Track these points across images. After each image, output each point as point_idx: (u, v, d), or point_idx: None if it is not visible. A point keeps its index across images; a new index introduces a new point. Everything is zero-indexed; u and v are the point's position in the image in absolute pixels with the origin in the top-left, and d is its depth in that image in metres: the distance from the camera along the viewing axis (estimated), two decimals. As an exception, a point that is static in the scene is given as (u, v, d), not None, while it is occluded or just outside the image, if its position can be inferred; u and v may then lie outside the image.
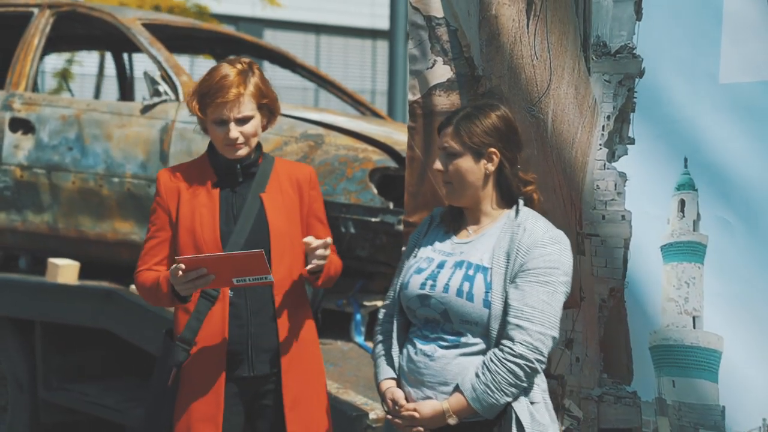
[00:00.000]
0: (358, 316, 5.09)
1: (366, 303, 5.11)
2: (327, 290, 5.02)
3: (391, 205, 4.89)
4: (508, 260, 2.73)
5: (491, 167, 2.81)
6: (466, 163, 2.80)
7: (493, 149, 2.80)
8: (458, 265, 2.78)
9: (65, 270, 5.27)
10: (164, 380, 3.10)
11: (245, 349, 3.10)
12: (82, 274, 5.35)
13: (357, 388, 4.36)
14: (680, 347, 2.96)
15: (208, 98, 3.08)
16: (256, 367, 3.12)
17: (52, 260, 5.33)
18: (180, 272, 2.94)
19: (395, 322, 2.87)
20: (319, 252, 3.02)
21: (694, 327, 2.95)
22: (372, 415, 4.10)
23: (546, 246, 2.74)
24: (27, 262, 5.74)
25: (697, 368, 2.93)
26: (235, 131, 3.08)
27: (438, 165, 2.83)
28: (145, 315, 4.82)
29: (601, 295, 3.11)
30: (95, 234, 5.38)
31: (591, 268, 3.13)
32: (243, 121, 3.09)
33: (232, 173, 3.14)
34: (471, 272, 2.75)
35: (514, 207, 2.83)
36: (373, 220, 4.87)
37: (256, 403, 3.16)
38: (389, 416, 2.78)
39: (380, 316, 2.96)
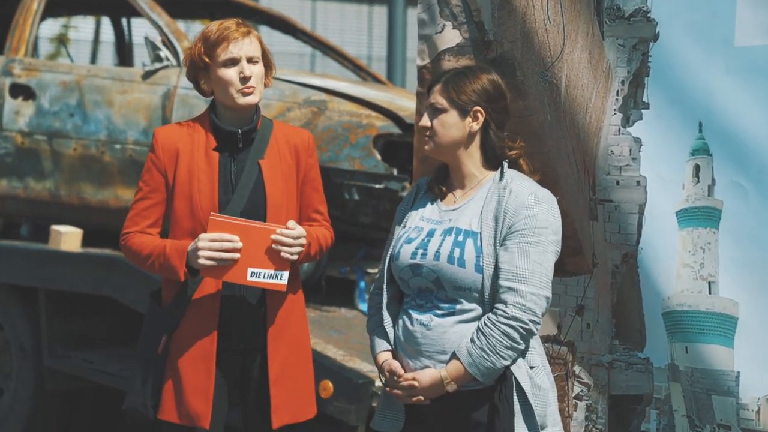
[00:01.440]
0: (362, 283, 5.09)
1: (369, 270, 5.12)
2: (330, 257, 5.03)
3: (395, 172, 4.88)
4: (497, 223, 2.73)
5: (476, 126, 2.82)
6: (451, 118, 2.80)
7: (478, 108, 2.81)
8: (447, 232, 2.77)
9: (68, 237, 5.26)
10: (154, 346, 3.05)
11: (236, 321, 3.07)
12: (85, 241, 5.34)
13: (362, 355, 4.36)
14: (695, 313, 2.96)
15: (217, 39, 3.01)
16: (246, 340, 3.08)
17: (55, 227, 5.31)
18: (208, 236, 2.89)
19: (384, 294, 2.85)
20: (285, 248, 2.97)
21: (709, 293, 2.94)
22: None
23: (533, 206, 2.73)
24: (29, 229, 5.72)
25: (712, 334, 2.93)
26: (248, 69, 3.02)
27: (425, 121, 2.83)
28: (147, 282, 4.80)
29: (614, 261, 3.10)
30: (97, 201, 5.36)
31: (604, 234, 3.12)
32: (253, 61, 3.04)
33: (232, 138, 3.07)
34: (461, 238, 2.74)
35: (499, 170, 2.83)
36: (377, 186, 4.87)
37: (243, 374, 3.13)
38: (387, 388, 2.76)
39: (372, 290, 2.95)
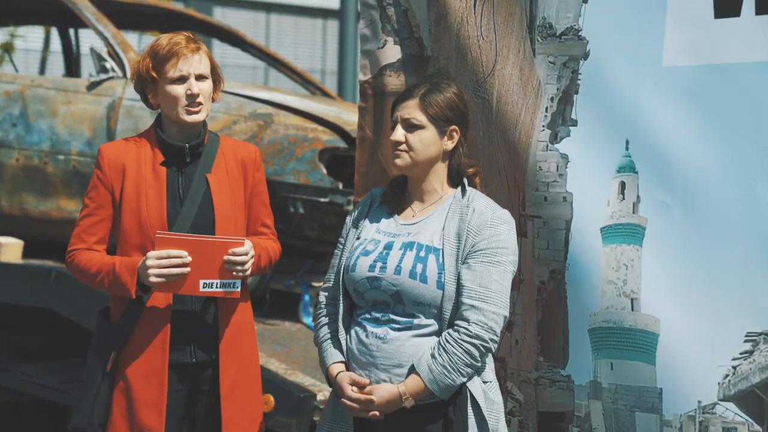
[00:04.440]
0: (307, 297, 5.07)
1: (314, 284, 5.10)
2: (275, 270, 5.00)
3: (341, 186, 4.88)
4: (459, 241, 2.73)
5: (450, 145, 2.81)
6: (429, 135, 2.78)
7: (454, 127, 2.80)
8: (408, 246, 2.76)
9: (9, 248, 5.20)
10: (102, 363, 3.02)
11: (188, 335, 3.05)
12: (26, 253, 5.27)
13: (305, 369, 4.34)
14: (618, 329, 2.98)
15: (166, 55, 2.98)
16: (198, 354, 3.06)
17: (-5, 238, 5.25)
18: (159, 253, 2.88)
19: (341, 305, 2.83)
20: (238, 267, 2.97)
21: (632, 309, 2.97)
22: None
23: (495, 226, 2.74)
24: (-31, 240, 5.64)
25: (634, 350, 2.95)
26: (196, 86, 3.00)
27: (398, 136, 2.78)
28: (90, 294, 4.75)
29: (541, 277, 3.12)
30: (39, 212, 5.30)
31: (532, 250, 3.14)
32: (201, 78, 3.03)
33: (180, 153, 3.06)
34: (422, 254, 2.73)
35: (460, 187, 2.82)
36: (322, 200, 4.86)
37: (194, 389, 3.10)
38: (343, 400, 2.73)
39: (321, 299, 2.93)
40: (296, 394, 4.16)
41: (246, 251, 2.97)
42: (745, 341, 2.79)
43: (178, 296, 3.01)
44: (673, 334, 2.89)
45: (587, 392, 3.04)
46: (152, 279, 2.91)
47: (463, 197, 2.79)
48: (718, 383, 2.82)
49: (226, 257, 2.94)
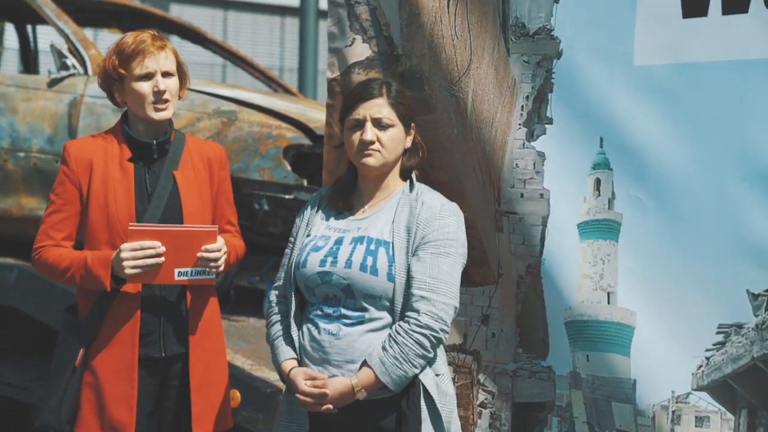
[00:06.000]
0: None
1: (279, 280, 5.11)
2: (240, 267, 5.00)
3: (305, 183, 4.90)
4: (409, 233, 2.78)
5: (409, 142, 2.90)
6: (399, 134, 2.85)
7: (413, 124, 2.88)
8: (358, 240, 2.80)
9: (-32, 246, 5.13)
10: (70, 359, 3.03)
11: (157, 329, 3.07)
12: (-14, 251, 5.22)
13: (270, 364, 4.32)
14: (594, 322, 3.05)
15: (132, 52, 3.01)
16: (167, 348, 3.09)
17: (-45, 236, 5.18)
18: (134, 243, 2.90)
19: (292, 302, 2.84)
20: (212, 263, 3.01)
21: (608, 303, 3.04)
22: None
23: (444, 218, 2.80)
24: (-72, 238, 5.56)
25: (610, 343, 3.02)
26: (162, 83, 3.03)
27: (371, 135, 2.81)
28: (52, 292, 4.74)
29: (518, 271, 3.18)
30: (0, 209, 5.24)
31: (509, 245, 3.19)
32: (168, 75, 3.05)
33: (147, 149, 3.08)
34: (372, 247, 2.77)
35: (408, 181, 2.89)
36: (287, 197, 4.88)
37: (163, 383, 3.13)
38: (297, 395, 2.75)
39: (272, 298, 2.94)
40: (263, 390, 4.18)
41: (219, 247, 3.00)
42: (717, 333, 2.88)
43: (147, 290, 3.03)
44: (647, 326, 2.96)
45: (568, 382, 3.11)
46: (128, 271, 2.92)
47: (411, 191, 2.85)
48: (692, 374, 2.90)
49: (199, 254, 2.97)
